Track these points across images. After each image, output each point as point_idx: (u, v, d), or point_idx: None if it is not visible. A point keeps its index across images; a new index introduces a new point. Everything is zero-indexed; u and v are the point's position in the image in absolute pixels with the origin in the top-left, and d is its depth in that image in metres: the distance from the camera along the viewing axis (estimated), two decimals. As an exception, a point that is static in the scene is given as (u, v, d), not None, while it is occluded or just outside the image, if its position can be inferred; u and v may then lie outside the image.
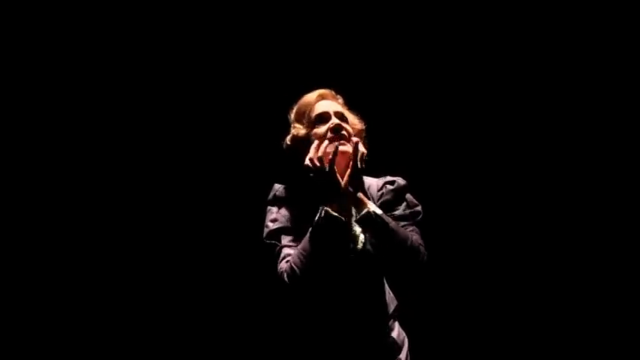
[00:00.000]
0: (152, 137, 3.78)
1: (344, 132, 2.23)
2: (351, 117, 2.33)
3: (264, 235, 2.25)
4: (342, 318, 2.18)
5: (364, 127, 2.36)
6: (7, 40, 3.70)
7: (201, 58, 3.77)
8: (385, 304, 2.27)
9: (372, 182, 2.34)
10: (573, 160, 3.74)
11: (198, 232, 3.73)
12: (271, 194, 2.33)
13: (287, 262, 2.14)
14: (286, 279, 2.11)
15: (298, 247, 2.13)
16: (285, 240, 2.21)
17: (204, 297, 3.72)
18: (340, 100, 2.37)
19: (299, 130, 2.29)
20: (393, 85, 3.71)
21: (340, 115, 2.28)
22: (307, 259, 2.08)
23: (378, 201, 2.28)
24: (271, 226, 2.25)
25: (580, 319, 3.68)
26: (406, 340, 2.31)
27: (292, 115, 2.35)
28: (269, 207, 2.31)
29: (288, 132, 2.34)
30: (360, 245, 2.21)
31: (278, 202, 2.29)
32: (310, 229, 2.11)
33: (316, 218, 2.10)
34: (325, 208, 2.09)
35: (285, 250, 2.18)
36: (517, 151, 3.77)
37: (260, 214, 2.34)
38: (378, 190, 2.31)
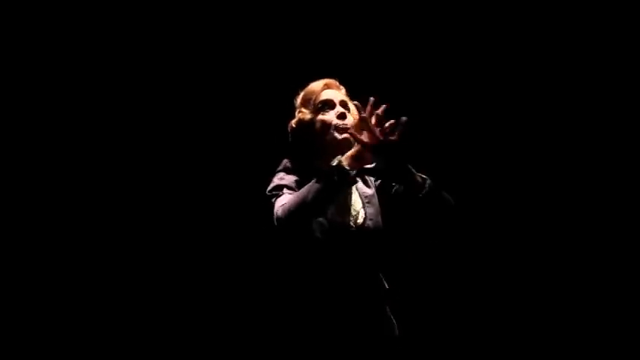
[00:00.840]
0: (153, 128, 3.84)
1: (347, 121, 2.34)
2: (353, 107, 2.41)
3: (268, 188, 2.31)
4: (340, 294, 2.25)
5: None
6: (7, 40, 3.72)
7: (204, 49, 3.83)
8: (382, 283, 2.35)
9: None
10: (570, 156, 3.83)
11: (201, 218, 3.80)
12: (281, 165, 2.40)
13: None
14: (280, 215, 2.17)
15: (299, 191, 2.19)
16: (287, 191, 2.27)
17: (202, 281, 3.78)
18: (343, 91, 2.48)
19: (305, 114, 2.40)
20: (391, 78, 3.76)
21: (344, 104, 2.40)
22: (304, 201, 2.12)
23: (376, 182, 2.41)
24: (277, 181, 2.32)
25: (572, 315, 3.77)
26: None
27: (298, 101, 2.46)
28: (277, 173, 2.37)
29: (293, 116, 2.45)
30: (360, 221, 2.31)
31: (287, 170, 2.37)
32: (318, 177, 2.14)
33: (333, 164, 2.13)
34: (341, 158, 2.14)
35: (286, 196, 2.23)
36: (516, 148, 3.85)
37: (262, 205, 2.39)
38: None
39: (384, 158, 2.11)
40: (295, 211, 2.14)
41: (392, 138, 2.07)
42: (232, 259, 3.76)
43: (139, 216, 3.80)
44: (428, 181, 2.17)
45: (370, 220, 2.32)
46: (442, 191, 2.20)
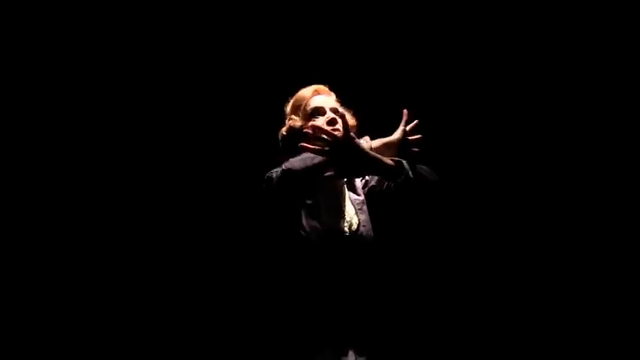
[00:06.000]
0: (146, 133, 3.80)
1: (338, 126, 2.32)
2: (344, 113, 2.40)
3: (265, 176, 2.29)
4: (335, 298, 2.24)
5: (356, 123, 2.48)
6: (7, 40, 3.70)
7: (196, 56, 3.81)
8: (380, 291, 2.33)
9: None
10: (571, 156, 3.80)
11: (194, 225, 3.77)
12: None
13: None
14: (284, 167, 2.20)
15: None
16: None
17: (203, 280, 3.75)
18: (333, 97, 2.47)
19: (295, 121, 2.39)
20: (382, 83, 3.76)
21: (335, 110, 2.39)
22: (308, 159, 2.17)
23: (364, 189, 2.42)
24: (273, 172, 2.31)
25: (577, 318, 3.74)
26: None
27: (288, 108, 2.46)
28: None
29: (283, 124, 2.44)
30: (354, 227, 2.31)
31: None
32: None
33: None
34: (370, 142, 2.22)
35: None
36: (503, 154, 3.81)
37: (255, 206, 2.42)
38: (361, 180, 2.45)
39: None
40: (297, 165, 2.17)
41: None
42: (228, 262, 3.71)
43: (137, 216, 3.78)
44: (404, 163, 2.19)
45: (363, 226, 2.33)
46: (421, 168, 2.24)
